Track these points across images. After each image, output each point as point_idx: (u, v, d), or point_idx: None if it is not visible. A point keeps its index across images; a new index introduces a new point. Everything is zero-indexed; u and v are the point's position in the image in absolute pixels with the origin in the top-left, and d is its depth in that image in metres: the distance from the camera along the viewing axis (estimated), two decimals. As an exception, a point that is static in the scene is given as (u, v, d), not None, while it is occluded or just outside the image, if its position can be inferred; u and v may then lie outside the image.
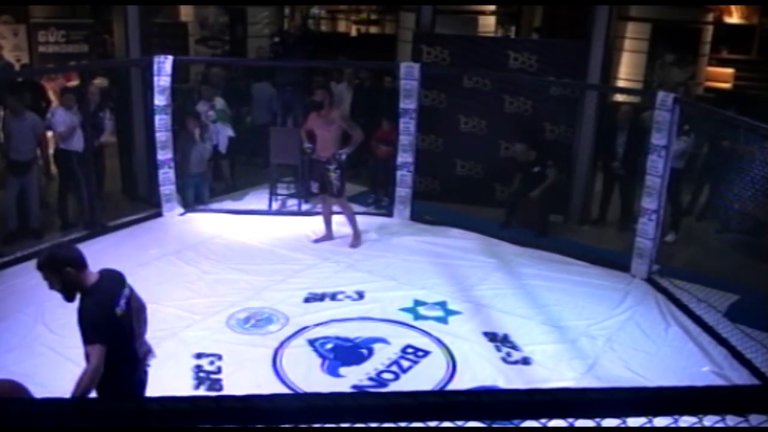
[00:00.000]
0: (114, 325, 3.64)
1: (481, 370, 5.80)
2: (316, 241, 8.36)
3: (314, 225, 8.87)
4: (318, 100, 8.09)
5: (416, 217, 9.16)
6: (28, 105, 8.71)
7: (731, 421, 1.56)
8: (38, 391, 4.97)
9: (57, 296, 6.62)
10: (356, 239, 8.28)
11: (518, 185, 8.91)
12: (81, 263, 3.70)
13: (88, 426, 1.31)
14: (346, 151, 8.05)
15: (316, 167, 8.15)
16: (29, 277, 6.68)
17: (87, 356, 3.56)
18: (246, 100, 10.78)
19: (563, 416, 1.40)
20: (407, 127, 8.88)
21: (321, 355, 5.93)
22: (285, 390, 5.39)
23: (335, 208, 8.38)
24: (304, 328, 6.34)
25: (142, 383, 3.92)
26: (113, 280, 3.86)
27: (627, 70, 13.04)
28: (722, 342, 6.33)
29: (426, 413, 1.36)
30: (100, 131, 8.78)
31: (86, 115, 8.19)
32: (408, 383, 5.50)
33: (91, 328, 3.58)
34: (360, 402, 1.36)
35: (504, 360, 5.99)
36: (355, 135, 8.04)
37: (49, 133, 8.85)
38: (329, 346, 6.07)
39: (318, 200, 8.66)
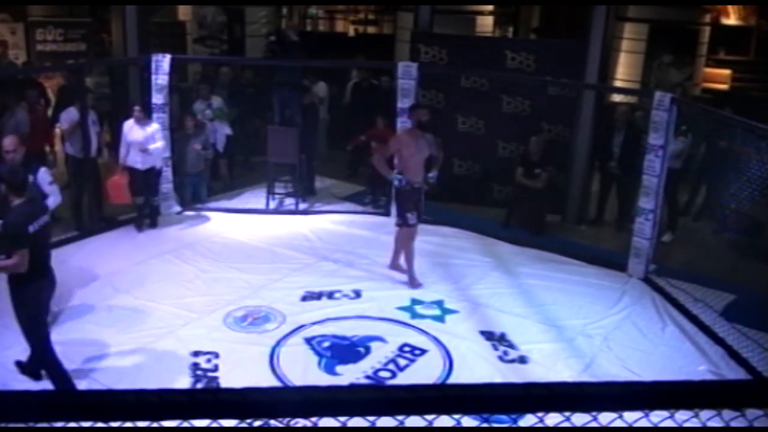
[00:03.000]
0: (26, 239, 4.74)
1: (478, 368, 5.81)
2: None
3: (311, 224, 8.89)
4: (424, 120, 7.08)
5: (414, 216, 9.15)
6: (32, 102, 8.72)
7: (727, 415, 1.56)
8: (36, 386, 4.99)
9: (53, 294, 6.61)
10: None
11: (519, 179, 8.89)
12: (15, 189, 4.79)
13: (85, 420, 1.31)
14: (436, 173, 7.20)
15: (413, 196, 7.06)
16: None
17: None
18: (248, 100, 10.73)
19: (560, 410, 1.40)
20: (405, 126, 8.86)
21: (318, 354, 5.93)
22: (282, 388, 5.39)
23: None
24: (301, 326, 6.35)
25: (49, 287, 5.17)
26: (37, 206, 5.02)
27: (625, 71, 13.06)
28: (719, 341, 6.36)
29: (424, 407, 1.36)
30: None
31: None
32: (405, 381, 5.50)
33: (11, 240, 4.75)
34: (358, 396, 1.37)
35: (501, 359, 6.00)
36: (440, 155, 7.27)
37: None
38: (326, 344, 6.07)
39: (398, 232, 7.30)
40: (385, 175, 7.14)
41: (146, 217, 8.51)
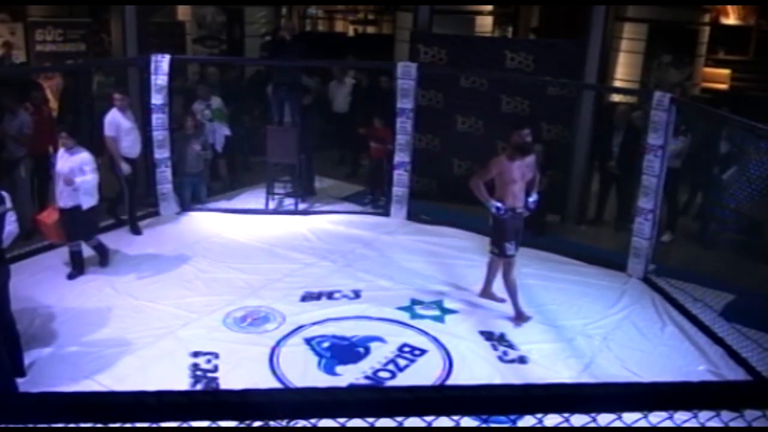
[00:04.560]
0: None
1: (477, 368, 5.81)
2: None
3: (311, 224, 8.89)
4: (519, 142, 6.46)
5: (413, 216, 9.17)
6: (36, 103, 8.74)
7: (726, 416, 1.56)
8: (35, 387, 4.99)
9: (51, 295, 6.65)
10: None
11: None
12: None
13: (84, 422, 1.31)
14: (536, 196, 6.64)
15: (514, 223, 6.53)
16: (23, 277, 6.71)
17: None
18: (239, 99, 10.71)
19: (559, 411, 1.40)
20: (404, 126, 8.89)
21: (318, 354, 5.93)
22: (282, 388, 5.39)
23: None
24: (301, 326, 6.35)
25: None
26: None
27: (624, 71, 13.06)
28: (718, 341, 6.36)
29: (423, 408, 1.36)
30: None
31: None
32: (404, 382, 5.50)
33: None
34: (357, 397, 1.37)
35: (500, 359, 6.00)
36: (537, 175, 6.67)
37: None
38: (326, 344, 6.07)
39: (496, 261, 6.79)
40: (482, 200, 6.45)
41: (78, 265, 7.19)
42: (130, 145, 8.15)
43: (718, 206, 8.33)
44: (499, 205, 6.38)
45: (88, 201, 6.95)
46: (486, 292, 7.00)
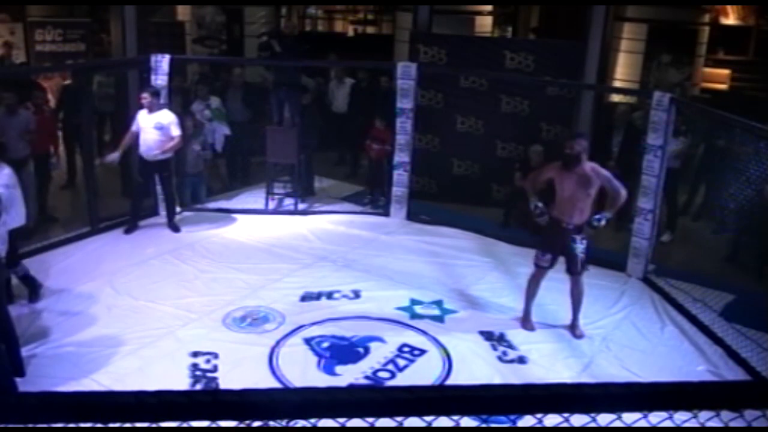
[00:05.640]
0: None
1: (477, 368, 5.81)
2: (526, 327, 6.52)
3: (310, 224, 8.89)
4: (573, 153, 5.97)
5: (413, 216, 9.17)
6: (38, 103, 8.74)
7: (726, 416, 1.56)
8: (34, 387, 4.99)
9: (50, 295, 6.65)
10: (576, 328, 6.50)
11: (518, 182, 8.89)
12: None
13: (83, 422, 1.31)
14: (607, 215, 6.15)
15: (557, 235, 6.19)
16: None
17: None
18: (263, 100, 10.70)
19: (558, 411, 1.40)
20: (404, 126, 8.89)
21: (317, 354, 5.93)
22: (281, 388, 5.38)
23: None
24: (301, 326, 6.34)
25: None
26: None
27: (624, 71, 13.05)
28: (718, 341, 6.36)
29: (422, 408, 1.36)
30: None
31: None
32: (404, 382, 5.50)
33: None
34: (357, 396, 1.36)
35: (500, 359, 6.00)
36: (621, 195, 6.05)
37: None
38: (325, 344, 6.07)
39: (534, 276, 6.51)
40: (528, 194, 6.29)
41: (35, 287, 6.56)
42: (143, 145, 8.13)
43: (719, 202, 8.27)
44: (539, 204, 6.10)
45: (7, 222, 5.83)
46: (524, 320, 6.57)
